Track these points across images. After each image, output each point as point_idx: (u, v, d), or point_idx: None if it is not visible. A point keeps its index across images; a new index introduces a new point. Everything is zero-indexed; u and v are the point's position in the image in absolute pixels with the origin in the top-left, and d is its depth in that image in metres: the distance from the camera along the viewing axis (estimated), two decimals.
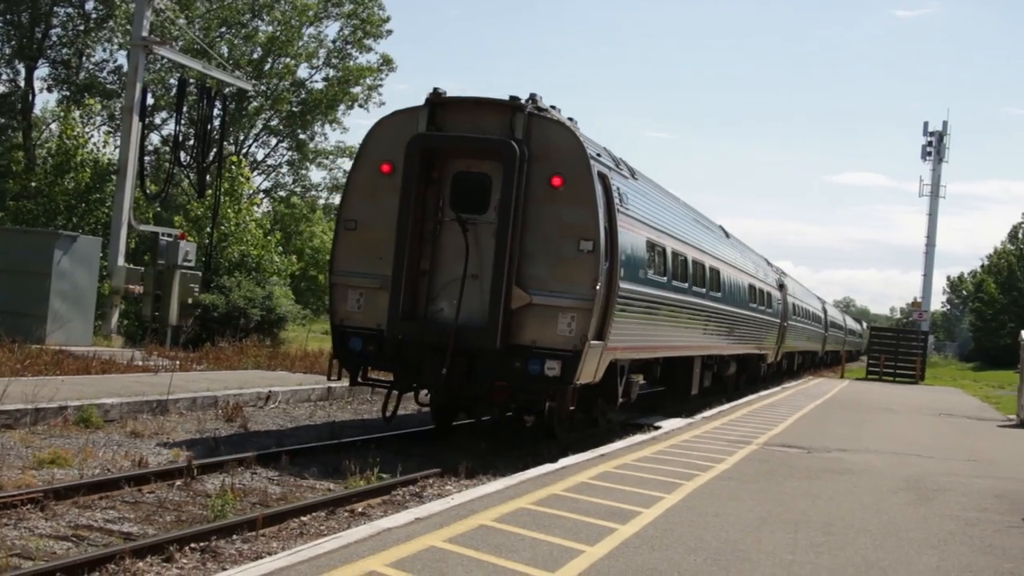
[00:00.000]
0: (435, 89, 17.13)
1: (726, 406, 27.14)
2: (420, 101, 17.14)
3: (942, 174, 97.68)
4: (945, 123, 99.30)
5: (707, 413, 24.60)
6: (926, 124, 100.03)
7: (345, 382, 18.86)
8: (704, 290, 25.07)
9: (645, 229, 19.64)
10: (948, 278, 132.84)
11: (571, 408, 17.18)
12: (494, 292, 16.28)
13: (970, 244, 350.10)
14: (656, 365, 22.75)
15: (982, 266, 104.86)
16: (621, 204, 17.81)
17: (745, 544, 9.97)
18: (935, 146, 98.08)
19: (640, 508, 11.35)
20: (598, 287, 16.34)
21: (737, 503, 12.16)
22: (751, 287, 32.51)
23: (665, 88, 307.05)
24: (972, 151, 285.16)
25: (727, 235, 32.21)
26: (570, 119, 17.50)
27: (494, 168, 16.61)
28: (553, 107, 17.31)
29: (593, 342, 16.39)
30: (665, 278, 21.18)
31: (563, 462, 14.75)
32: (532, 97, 16.90)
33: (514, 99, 16.76)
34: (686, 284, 23.13)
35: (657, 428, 20.63)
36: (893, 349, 56.67)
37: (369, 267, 17.12)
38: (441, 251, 17.09)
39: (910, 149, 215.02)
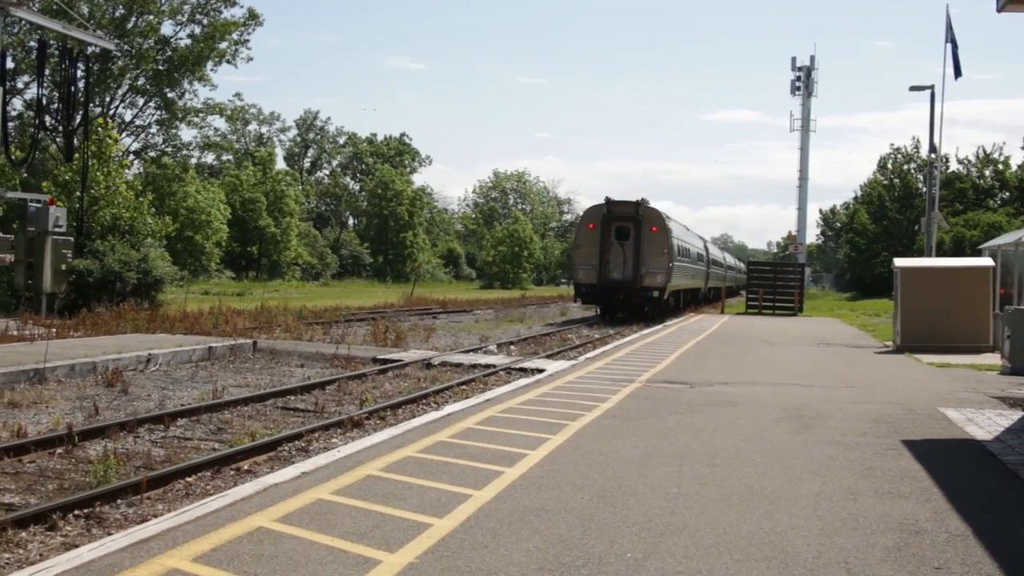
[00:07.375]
0: (607, 197, 44.92)
1: (609, 346, 27.47)
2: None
3: (812, 108, 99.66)
4: (813, 58, 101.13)
5: (590, 354, 24.84)
6: (794, 59, 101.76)
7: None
8: (685, 259, 50.32)
9: (676, 239, 46.42)
10: (820, 211, 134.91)
11: (660, 307, 45.55)
12: (635, 268, 43.57)
13: (846, 176, 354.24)
14: (672, 295, 48.51)
15: (855, 197, 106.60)
16: (672, 234, 45.31)
17: (631, 479, 10.08)
18: (804, 81, 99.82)
19: (526, 450, 11.43)
20: (670, 264, 43.94)
21: (622, 440, 12.29)
22: (697, 254, 57.88)
23: (535, 31, 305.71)
24: (844, 85, 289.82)
25: (687, 228, 59.23)
26: (646, 200, 45.55)
27: (631, 224, 43.89)
28: (650, 201, 45.51)
29: (667, 284, 44.27)
30: (679, 256, 47.14)
31: (448, 409, 14.83)
32: (643, 200, 44.56)
33: (638, 200, 44.36)
34: (681, 257, 48.40)
35: (541, 371, 20.79)
36: (771, 283, 57.42)
37: (587, 261, 44.19)
38: (611, 254, 43.78)
39: (784, 85, 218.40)
